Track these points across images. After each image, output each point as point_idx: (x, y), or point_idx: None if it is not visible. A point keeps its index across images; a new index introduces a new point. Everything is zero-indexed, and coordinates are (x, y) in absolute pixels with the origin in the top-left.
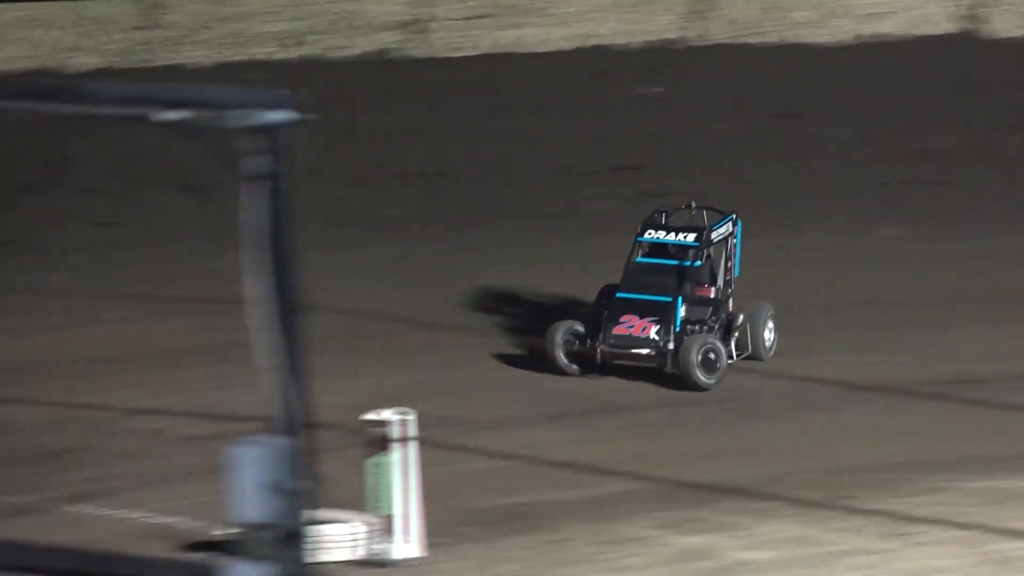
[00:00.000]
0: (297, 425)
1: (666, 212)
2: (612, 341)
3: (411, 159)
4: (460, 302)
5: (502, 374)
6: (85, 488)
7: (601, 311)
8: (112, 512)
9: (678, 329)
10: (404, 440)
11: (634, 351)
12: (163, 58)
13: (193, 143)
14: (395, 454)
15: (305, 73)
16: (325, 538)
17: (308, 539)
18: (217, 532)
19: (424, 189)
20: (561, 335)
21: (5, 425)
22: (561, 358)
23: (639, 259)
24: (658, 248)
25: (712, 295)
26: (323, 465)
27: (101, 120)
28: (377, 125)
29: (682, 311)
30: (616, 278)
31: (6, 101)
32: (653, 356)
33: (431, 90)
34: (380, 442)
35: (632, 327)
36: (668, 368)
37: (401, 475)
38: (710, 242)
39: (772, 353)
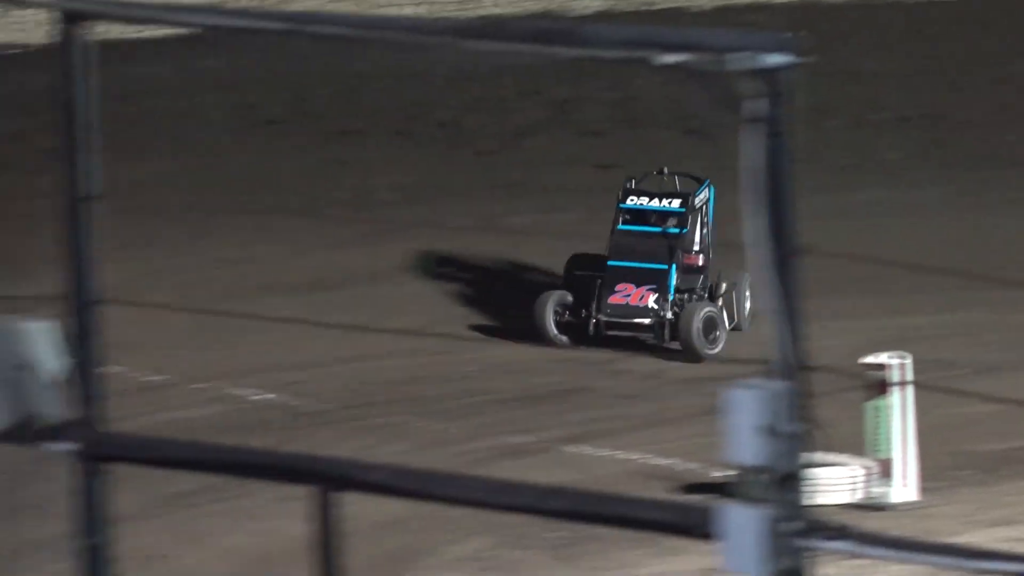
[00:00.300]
0: (794, 368)
1: (634, 179)
2: (609, 311)
3: (912, 102)
4: (952, 247)
5: (998, 318)
6: (583, 429)
7: (586, 281)
8: (609, 453)
9: (671, 298)
10: (902, 384)
11: (635, 320)
12: (664, 1)
13: (693, 86)
14: (894, 398)
15: (805, 15)
16: (822, 481)
17: (804, 482)
18: (714, 474)
19: (926, 132)
20: (551, 305)
21: (508, 366)
22: (551, 329)
23: (621, 226)
24: (638, 215)
25: (700, 263)
26: (819, 408)
27: (603, 63)
28: (879, 67)
29: (675, 279)
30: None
31: (511, 44)
32: (651, 326)
33: (932, 30)
34: (879, 386)
35: (629, 296)
36: (666, 338)
37: (899, 419)
38: (694, 208)
39: (749, 323)
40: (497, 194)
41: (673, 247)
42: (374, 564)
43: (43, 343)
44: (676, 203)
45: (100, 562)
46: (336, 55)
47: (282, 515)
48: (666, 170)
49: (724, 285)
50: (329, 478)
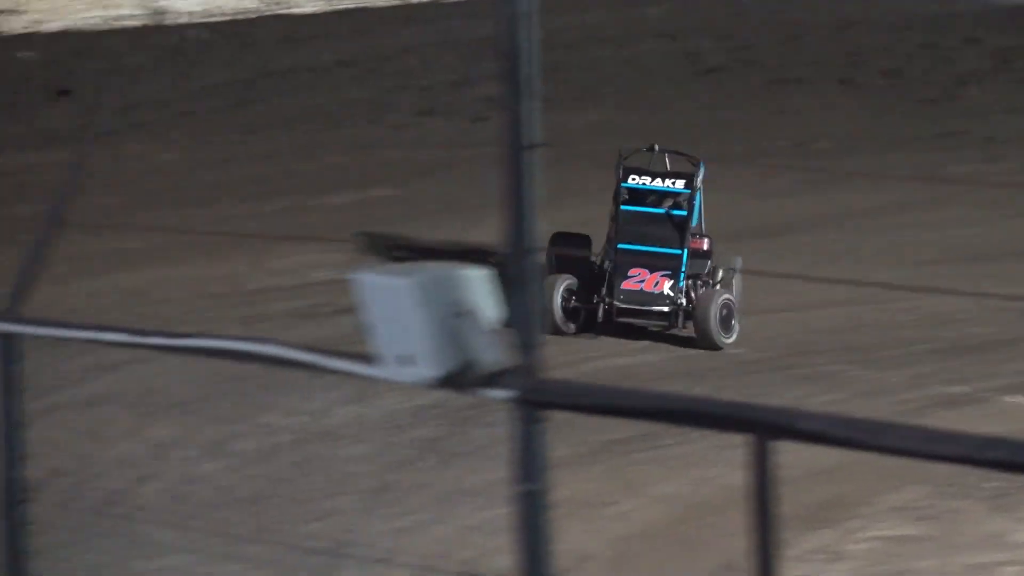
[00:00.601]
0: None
1: (622, 155)
2: (623, 297)
3: None
4: None
5: None
6: (1021, 379)
7: (587, 264)
8: None
9: (681, 284)
10: None
11: (653, 308)
12: None
13: None
14: None
15: None
16: None
17: None
18: None
19: None
20: (559, 290)
21: (942, 315)
22: (559, 314)
23: (626, 207)
24: (638, 195)
25: (706, 247)
26: None
27: None
28: None
29: (686, 265)
30: None
31: None
32: (668, 313)
33: None
34: None
35: (643, 282)
36: (680, 327)
37: None
38: (697, 188)
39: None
40: (938, 143)
41: (683, 230)
42: (808, 512)
43: (482, 291)
44: (680, 183)
45: (538, 508)
46: (778, 1)
47: (719, 463)
48: (656, 147)
49: (722, 271)
50: (766, 426)
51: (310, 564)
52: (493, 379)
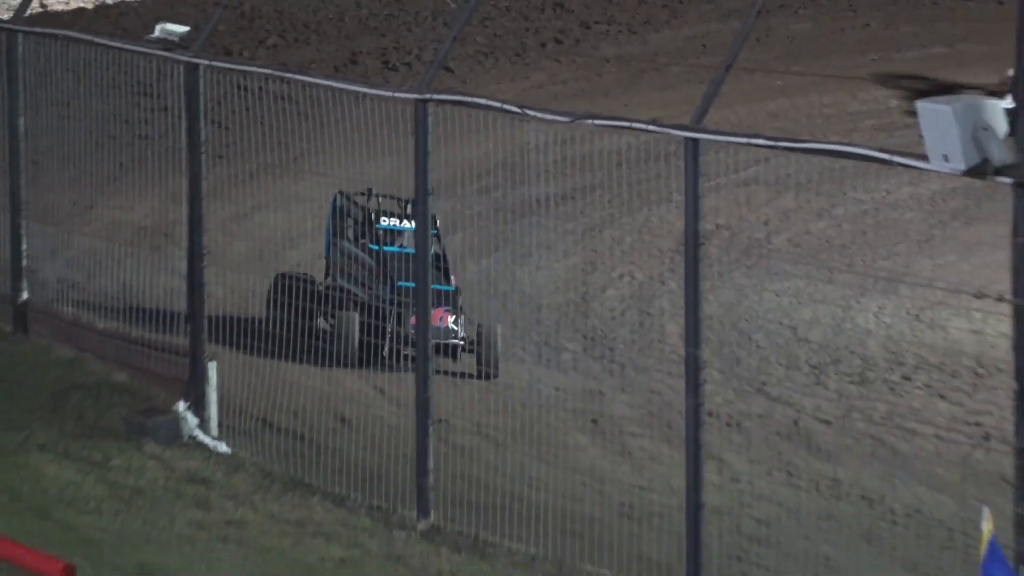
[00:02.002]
0: None
1: (346, 194)
2: (413, 332)
3: None
4: None
5: None
6: None
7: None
8: None
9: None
10: None
11: (448, 341)
12: None
13: None
14: None
15: None
16: None
17: None
18: None
19: None
20: (356, 325)
21: None
22: (356, 349)
23: (387, 248)
24: (389, 236)
25: (454, 282)
26: None
27: None
28: None
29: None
30: None
31: None
32: (461, 346)
33: None
34: None
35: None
36: (457, 359)
37: None
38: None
39: None
40: None
41: (443, 268)
42: None
43: (996, 113)
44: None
45: None
46: None
47: None
48: (373, 190)
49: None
50: None
51: (877, 287)
52: (1002, 170)
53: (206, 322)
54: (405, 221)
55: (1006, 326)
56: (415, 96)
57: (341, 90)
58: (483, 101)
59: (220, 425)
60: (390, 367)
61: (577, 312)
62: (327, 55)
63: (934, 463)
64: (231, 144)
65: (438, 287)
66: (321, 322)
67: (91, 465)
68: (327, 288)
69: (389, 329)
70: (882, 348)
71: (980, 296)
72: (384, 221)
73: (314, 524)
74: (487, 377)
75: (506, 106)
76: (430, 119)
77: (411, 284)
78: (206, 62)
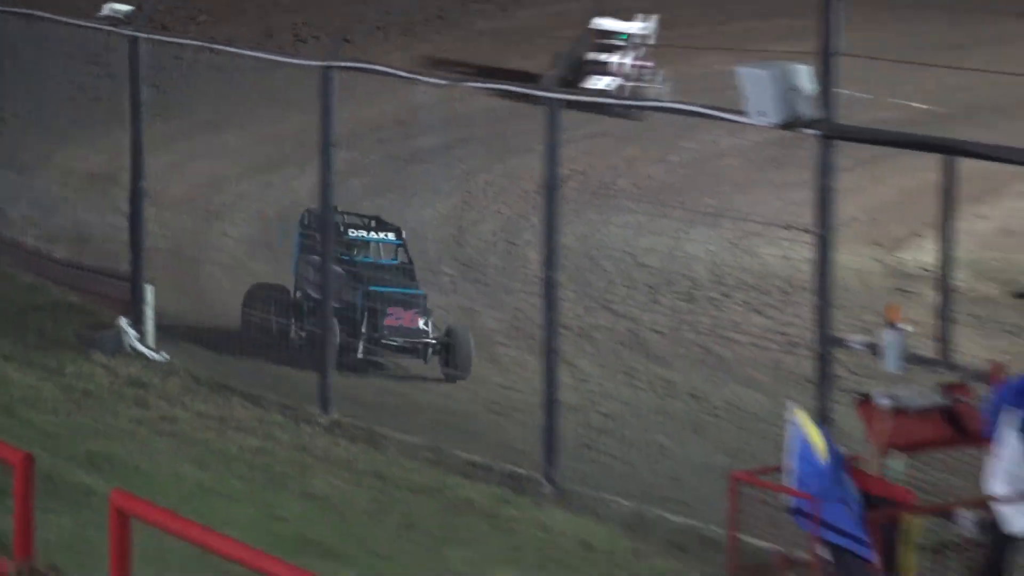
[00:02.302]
0: None
1: (312, 211)
2: (387, 332)
3: None
4: None
5: None
6: None
7: (352, 307)
8: None
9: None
10: None
11: (420, 341)
12: None
13: None
14: None
15: None
16: None
17: None
18: None
19: None
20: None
21: None
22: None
23: (362, 258)
24: (358, 246)
25: (420, 289)
26: None
27: None
28: None
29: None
30: None
31: None
32: (432, 346)
33: None
34: None
35: (402, 319)
36: (427, 359)
37: None
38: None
39: None
40: None
41: (411, 274)
42: None
43: (804, 76)
44: (392, 235)
45: (828, 202)
46: None
47: None
48: (339, 207)
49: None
50: None
51: (704, 221)
52: (809, 124)
53: (144, 252)
54: (381, 232)
55: (809, 252)
56: (322, 64)
57: (260, 59)
58: (379, 67)
59: (156, 338)
60: (363, 369)
61: (455, 243)
62: (248, 30)
63: (750, 367)
64: (168, 105)
65: (408, 291)
66: (293, 331)
67: (49, 372)
68: (296, 300)
69: (363, 331)
70: (707, 272)
71: (788, 228)
72: (353, 232)
73: (235, 420)
74: (456, 379)
75: (398, 72)
76: (334, 83)
77: (382, 289)
78: (146, 35)
